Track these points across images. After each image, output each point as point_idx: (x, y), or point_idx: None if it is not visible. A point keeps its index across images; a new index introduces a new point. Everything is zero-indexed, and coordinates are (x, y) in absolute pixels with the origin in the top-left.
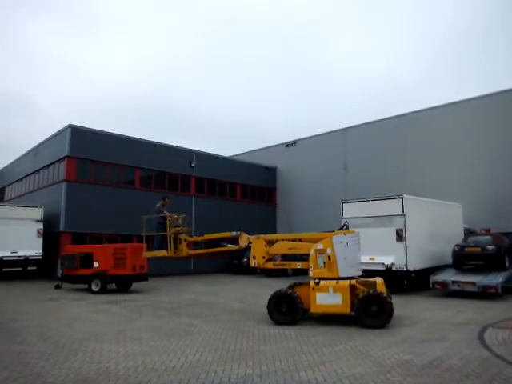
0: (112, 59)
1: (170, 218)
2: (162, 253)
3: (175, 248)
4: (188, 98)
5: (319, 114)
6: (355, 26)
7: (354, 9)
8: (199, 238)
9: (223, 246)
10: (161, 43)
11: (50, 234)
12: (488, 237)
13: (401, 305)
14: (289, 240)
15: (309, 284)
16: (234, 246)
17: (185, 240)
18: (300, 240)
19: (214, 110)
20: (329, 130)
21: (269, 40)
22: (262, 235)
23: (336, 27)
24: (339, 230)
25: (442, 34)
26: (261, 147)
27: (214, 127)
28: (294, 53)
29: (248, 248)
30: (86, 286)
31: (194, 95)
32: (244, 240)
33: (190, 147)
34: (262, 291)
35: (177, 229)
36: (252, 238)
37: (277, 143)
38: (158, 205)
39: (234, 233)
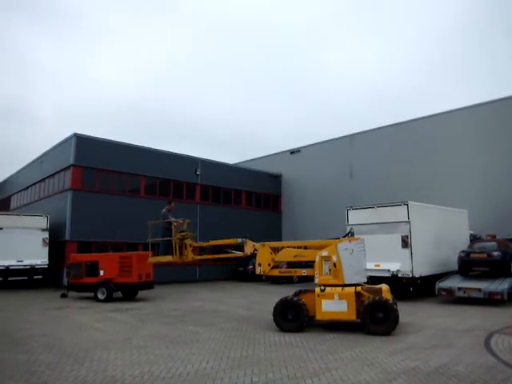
0: (111, 65)
1: (175, 224)
2: (168, 258)
3: (180, 253)
4: (188, 104)
5: (319, 119)
6: (353, 33)
7: (350, 13)
8: (204, 244)
9: (228, 252)
10: (160, 51)
11: (55, 242)
12: (494, 243)
13: (407, 312)
14: (294, 247)
15: (314, 291)
16: (240, 253)
17: (190, 245)
18: (305, 247)
19: (214, 116)
20: (328, 135)
21: (268, 47)
22: (268, 242)
23: (333, 34)
24: (344, 236)
25: (442, 39)
26: (265, 154)
27: (214, 134)
28: (292, 59)
29: (253, 255)
30: (92, 294)
31: (195, 102)
32: (249, 247)
33: (191, 154)
34: (267, 298)
35: (182, 234)
36: (257, 245)
37: (280, 150)
38: (163, 210)
39: (240, 240)
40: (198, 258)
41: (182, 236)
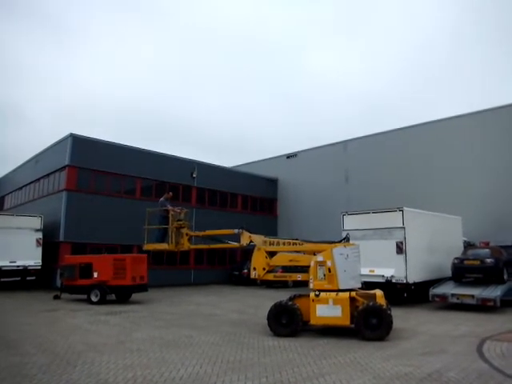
0: (104, 67)
1: (172, 212)
2: (163, 246)
3: (176, 242)
4: (181, 108)
5: (312, 124)
6: (341, 41)
7: (340, 24)
8: (201, 234)
9: (224, 242)
10: (154, 54)
11: (49, 243)
12: (487, 250)
13: (400, 317)
14: (289, 251)
15: (309, 296)
16: (236, 244)
17: (186, 234)
18: (300, 249)
19: (208, 120)
20: (321, 140)
21: (261, 52)
22: (263, 246)
23: (321, 42)
24: (340, 242)
25: (429, 47)
26: (262, 158)
27: (208, 138)
28: (284, 65)
29: (249, 257)
30: (86, 296)
31: (188, 105)
32: (245, 238)
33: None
34: (262, 303)
35: (179, 223)
36: (254, 236)
37: (277, 154)
38: (161, 198)
39: (236, 230)
40: (194, 247)
41: (179, 225)
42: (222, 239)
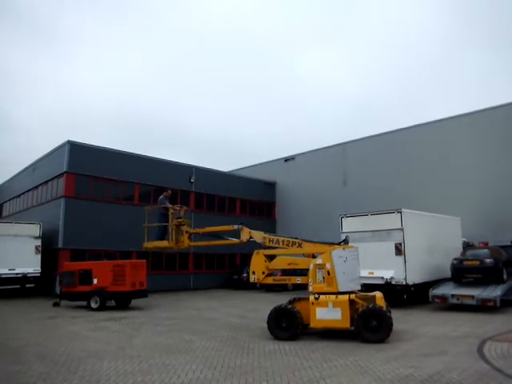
0: (99, 74)
1: (172, 211)
2: (164, 244)
3: (176, 240)
4: (173, 113)
5: (306, 128)
6: (330, 44)
7: (330, 27)
8: (201, 231)
9: (225, 239)
10: (144, 60)
11: (48, 250)
12: (486, 250)
13: (400, 319)
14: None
15: (308, 299)
16: (236, 240)
17: (186, 232)
18: (300, 245)
19: (201, 125)
20: (315, 143)
21: (250, 57)
22: (262, 250)
23: (317, 43)
24: (339, 244)
25: (426, 47)
26: (260, 162)
27: (201, 143)
28: (275, 69)
29: (248, 261)
30: (85, 303)
31: (180, 111)
32: (245, 234)
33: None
34: (261, 306)
35: (179, 220)
36: (253, 232)
37: (275, 158)
38: (161, 196)
39: (236, 226)
40: (194, 244)
41: (179, 222)
42: (223, 236)
